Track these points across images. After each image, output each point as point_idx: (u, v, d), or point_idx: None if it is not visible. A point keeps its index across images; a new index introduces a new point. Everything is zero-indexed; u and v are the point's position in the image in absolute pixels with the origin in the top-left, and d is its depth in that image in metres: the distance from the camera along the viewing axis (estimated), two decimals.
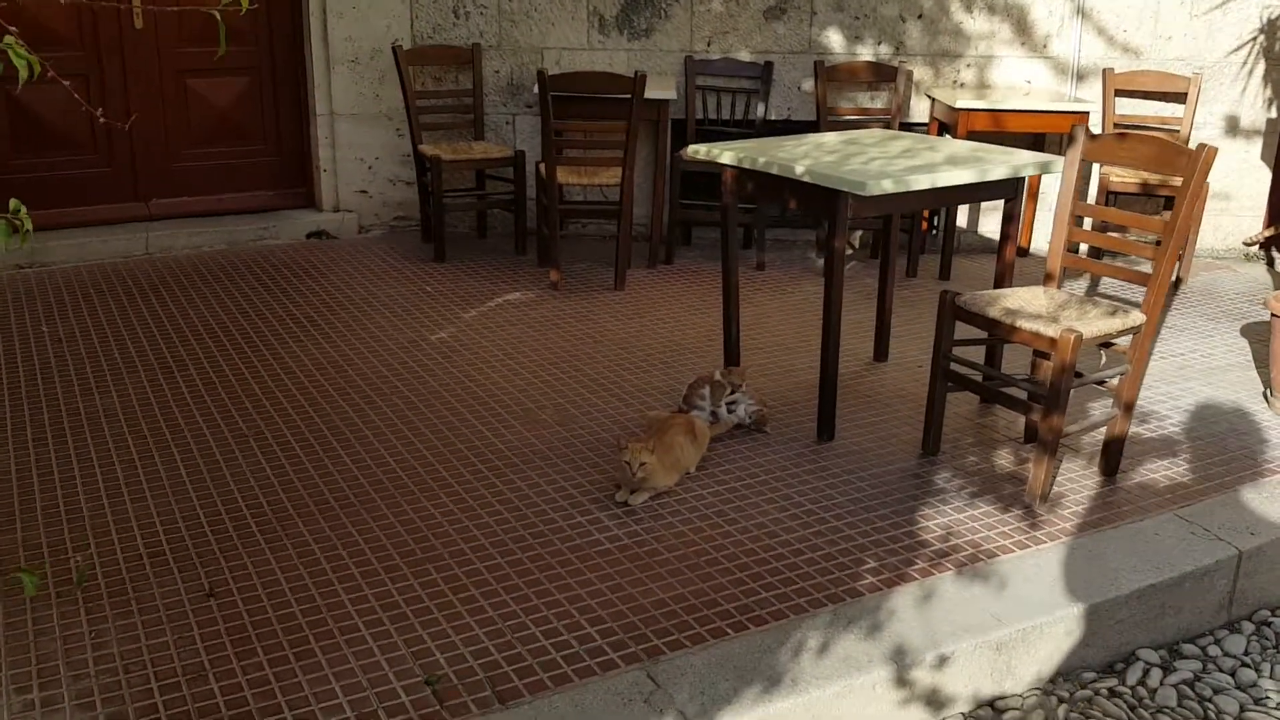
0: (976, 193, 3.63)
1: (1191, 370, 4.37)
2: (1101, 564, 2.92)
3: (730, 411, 3.63)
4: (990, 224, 6.19)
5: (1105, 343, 3.26)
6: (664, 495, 3.19)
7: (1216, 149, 3.13)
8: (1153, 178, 5.41)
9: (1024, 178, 3.64)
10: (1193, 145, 5.89)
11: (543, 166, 5.14)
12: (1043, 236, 6.07)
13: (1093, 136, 3.41)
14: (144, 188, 5.74)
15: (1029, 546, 2.97)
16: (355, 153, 5.87)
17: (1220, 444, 3.68)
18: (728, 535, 2.98)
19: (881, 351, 4.38)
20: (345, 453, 3.43)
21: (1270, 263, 6.08)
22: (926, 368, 4.29)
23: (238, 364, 4.15)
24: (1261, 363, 4.48)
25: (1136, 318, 3.23)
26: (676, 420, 3.35)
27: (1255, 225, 6.18)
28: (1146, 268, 3.36)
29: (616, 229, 5.15)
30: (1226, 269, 5.91)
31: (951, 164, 3.53)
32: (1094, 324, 3.15)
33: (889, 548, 2.93)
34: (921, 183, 3.34)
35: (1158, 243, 3.26)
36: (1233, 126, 6.01)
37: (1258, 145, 6.02)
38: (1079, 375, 3.21)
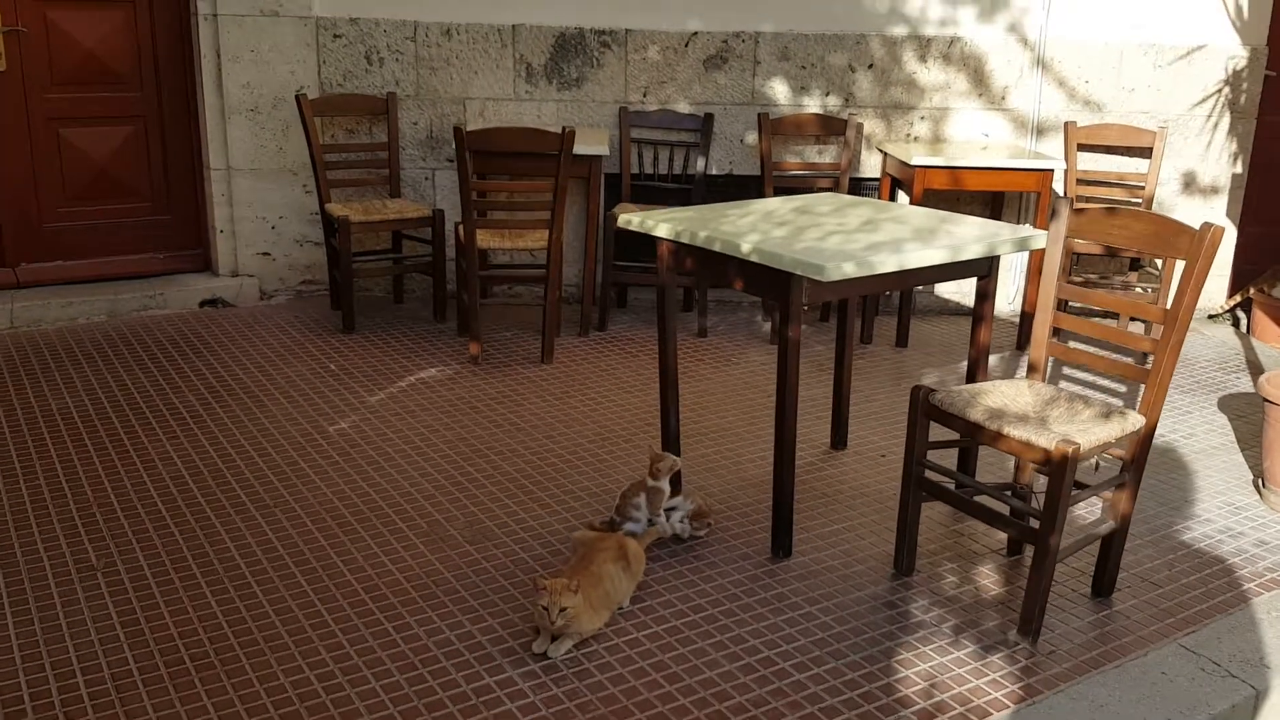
0: (947, 272, 3.19)
1: (1173, 455, 3.98)
2: (1109, 716, 2.46)
3: (669, 519, 3.15)
4: (948, 284, 5.80)
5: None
6: (591, 641, 2.67)
7: (1223, 229, 2.73)
8: None
9: (999, 255, 3.22)
10: (1157, 202, 5.62)
11: (462, 229, 4.64)
12: (1002, 299, 5.70)
13: (1078, 210, 2.99)
14: (11, 251, 5.12)
15: (1026, 698, 2.51)
16: (256, 211, 5.31)
17: (1216, 548, 3.28)
18: (669, 699, 2.46)
19: (840, 438, 3.93)
20: (209, 587, 2.86)
21: (1236, 324, 5.76)
22: (891, 457, 3.86)
23: (97, 467, 3.55)
24: (1246, 444, 4.11)
25: (1134, 421, 2.80)
26: (605, 544, 2.83)
27: (1220, 285, 5.86)
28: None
29: (544, 294, 4.66)
30: (1194, 332, 5.57)
31: (919, 239, 3.09)
32: (1090, 431, 2.71)
33: (863, 709, 2.44)
34: (888, 264, 2.89)
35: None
36: (1197, 183, 5.70)
37: (1222, 202, 5.72)
38: (1077, 487, 2.77)
